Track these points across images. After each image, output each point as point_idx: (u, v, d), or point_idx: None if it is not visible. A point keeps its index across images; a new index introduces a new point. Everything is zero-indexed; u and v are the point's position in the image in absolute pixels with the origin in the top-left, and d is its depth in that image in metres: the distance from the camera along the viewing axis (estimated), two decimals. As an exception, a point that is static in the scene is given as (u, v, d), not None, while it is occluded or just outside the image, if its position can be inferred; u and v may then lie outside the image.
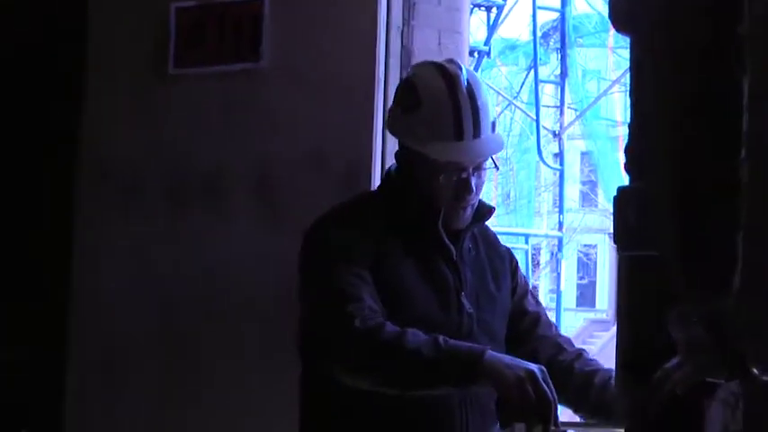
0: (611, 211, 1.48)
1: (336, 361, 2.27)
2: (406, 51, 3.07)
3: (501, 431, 2.21)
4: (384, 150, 2.96)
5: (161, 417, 3.09)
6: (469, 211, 2.42)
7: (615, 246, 1.47)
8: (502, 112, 11.39)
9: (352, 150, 2.93)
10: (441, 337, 2.15)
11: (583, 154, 19.55)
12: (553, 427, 2.08)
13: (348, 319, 2.18)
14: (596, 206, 20.94)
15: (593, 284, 23.71)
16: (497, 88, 11.03)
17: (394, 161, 2.54)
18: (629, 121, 1.52)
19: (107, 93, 3.19)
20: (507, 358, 2.15)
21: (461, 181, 2.36)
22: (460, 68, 2.41)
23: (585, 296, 23.58)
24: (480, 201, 2.48)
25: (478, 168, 2.39)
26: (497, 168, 2.49)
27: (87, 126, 3.14)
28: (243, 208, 2.97)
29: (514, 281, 2.57)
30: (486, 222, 2.55)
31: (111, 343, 3.17)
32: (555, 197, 16.39)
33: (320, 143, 2.95)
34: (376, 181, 2.92)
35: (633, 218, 1.42)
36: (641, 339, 1.44)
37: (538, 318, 2.56)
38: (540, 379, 2.07)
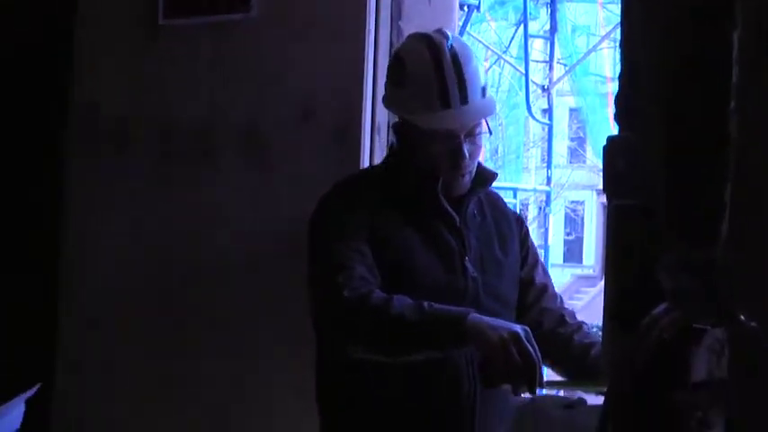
0: (601, 160, 1.49)
1: (329, 330, 2.30)
2: (396, 4, 3.06)
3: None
4: (374, 105, 2.96)
5: (145, 371, 3.10)
6: (468, 178, 2.44)
7: (604, 194, 1.48)
8: (491, 66, 11.35)
9: (342, 103, 2.93)
10: (426, 302, 2.18)
11: (571, 110, 19.54)
12: (538, 387, 2.10)
13: (338, 289, 2.22)
14: (584, 162, 20.96)
15: (580, 240, 23.80)
16: (487, 43, 10.98)
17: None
18: (619, 71, 1.53)
19: (96, 44, 3.16)
20: (491, 320, 2.15)
21: (454, 148, 2.39)
22: (446, 37, 2.42)
23: (572, 252, 23.67)
24: (482, 166, 2.51)
25: (471, 134, 2.41)
26: (491, 133, 2.50)
27: (77, 79, 3.12)
28: (232, 160, 2.97)
29: (524, 249, 2.59)
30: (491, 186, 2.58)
31: (100, 298, 3.17)
32: (543, 153, 16.39)
33: (310, 95, 2.94)
34: (366, 135, 2.92)
35: (622, 167, 1.43)
36: (629, 288, 1.45)
37: (545, 289, 2.60)
38: (524, 339, 2.08)
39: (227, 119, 2.99)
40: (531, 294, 2.56)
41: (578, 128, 20.82)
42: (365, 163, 2.92)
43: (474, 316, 2.14)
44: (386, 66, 2.77)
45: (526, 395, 2.12)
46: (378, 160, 2.96)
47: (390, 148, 2.61)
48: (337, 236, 2.36)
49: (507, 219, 2.59)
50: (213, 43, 3.01)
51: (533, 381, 2.07)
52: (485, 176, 2.50)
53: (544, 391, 2.26)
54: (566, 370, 2.51)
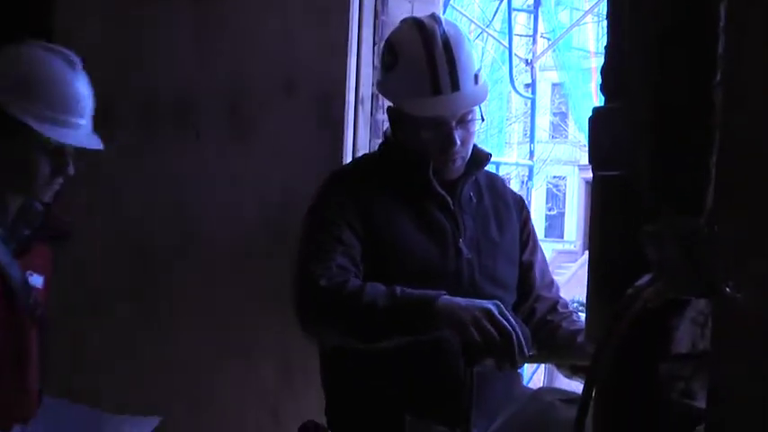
0: (586, 133, 1.49)
1: (306, 319, 2.30)
2: (380, -23, 3.04)
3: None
4: (358, 76, 2.95)
5: (132, 345, 3.09)
6: (459, 163, 2.44)
7: (589, 166, 1.48)
8: (474, 40, 11.31)
9: (325, 75, 2.92)
10: (398, 288, 2.18)
11: (554, 85, 19.54)
12: (520, 360, 2.11)
13: (315, 278, 2.24)
14: (566, 138, 20.98)
15: (561, 216, 23.87)
16: (470, 17, 10.95)
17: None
18: (605, 42, 1.52)
19: (77, 14, 3.13)
20: (463, 300, 2.15)
21: (444, 135, 2.38)
22: (439, 22, 2.41)
23: (554, 227, 23.75)
24: (477, 148, 2.50)
25: (463, 121, 2.40)
26: (483, 120, 2.49)
27: (58, 30, 3.08)
28: (214, 131, 2.95)
29: (525, 232, 2.60)
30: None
31: (81, 270, 3.15)
32: (525, 128, 16.38)
33: (292, 67, 2.93)
34: (349, 107, 2.91)
35: (607, 138, 1.43)
36: (613, 259, 1.45)
37: (542, 276, 2.61)
38: (497, 314, 2.09)
39: (210, 91, 2.97)
40: (529, 280, 2.57)
41: (560, 103, 20.83)
42: (349, 135, 2.91)
43: (445, 298, 2.14)
44: (371, 36, 2.76)
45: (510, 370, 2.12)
46: (362, 132, 2.95)
47: (384, 133, 2.60)
48: (320, 226, 2.38)
49: (506, 200, 2.59)
50: (196, 16, 2.99)
51: (512, 354, 2.07)
52: (479, 158, 2.50)
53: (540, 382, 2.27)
54: (553, 355, 2.53)
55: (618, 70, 1.47)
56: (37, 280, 2.30)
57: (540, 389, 2.52)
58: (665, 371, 1.38)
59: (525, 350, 2.11)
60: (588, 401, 1.33)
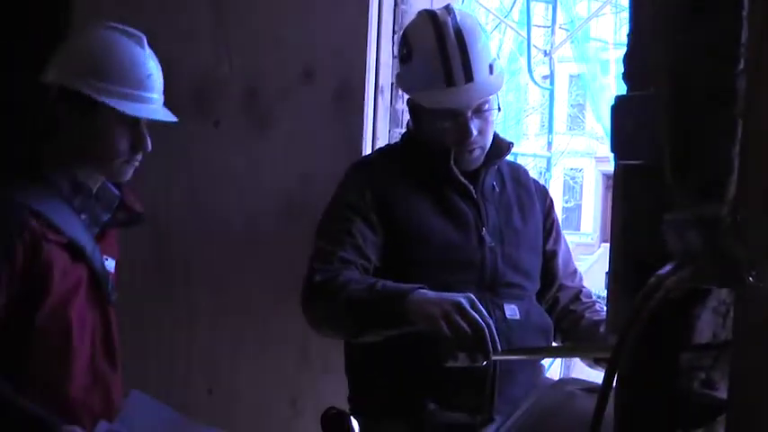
0: (609, 120, 1.48)
1: (305, 314, 2.33)
2: (399, -32, 3.04)
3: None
4: (377, 65, 2.95)
5: (149, 333, 3.09)
6: (478, 153, 2.44)
7: (612, 154, 1.47)
8: (491, 31, 11.30)
9: (344, 63, 2.91)
10: (379, 282, 2.18)
11: (571, 77, 19.47)
12: (493, 354, 2.05)
13: (312, 274, 2.29)
14: (584, 130, 20.91)
15: (578, 208, 23.80)
16: (488, 8, 10.92)
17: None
18: (627, 29, 1.52)
19: (94, 2, 3.12)
20: (435, 294, 2.13)
21: (460, 125, 2.38)
22: (452, 14, 2.41)
23: (571, 219, 23.68)
24: (498, 137, 2.49)
25: (479, 111, 2.40)
26: (500, 110, 2.49)
27: (74, 24, 3.08)
28: (233, 120, 2.94)
29: (549, 221, 2.60)
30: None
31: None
32: (542, 119, 16.34)
33: (311, 55, 2.92)
34: (368, 96, 2.91)
35: (630, 127, 1.42)
36: (635, 248, 1.45)
37: (566, 265, 2.61)
38: (469, 307, 2.06)
39: (229, 80, 2.97)
40: (553, 269, 2.57)
41: (578, 95, 20.76)
42: (367, 124, 2.91)
43: (418, 292, 2.12)
44: (390, 25, 2.76)
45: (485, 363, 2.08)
46: (381, 121, 2.94)
47: (406, 124, 2.60)
48: (333, 217, 2.40)
49: (529, 190, 2.59)
50: (215, 4, 2.98)
51: (485, 347, 2.04)
52: (501, 147, 2.50)
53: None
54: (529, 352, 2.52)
55: (640, 58, 1.46)
56: (110, 264, 2.34)
57: (561, 379, 2.52)
58: (685, 361, 1.38)
59: (498, 344, 2.06)
60: (609, 391, 1.32)
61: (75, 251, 2.19)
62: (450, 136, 2.40)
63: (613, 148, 1.48)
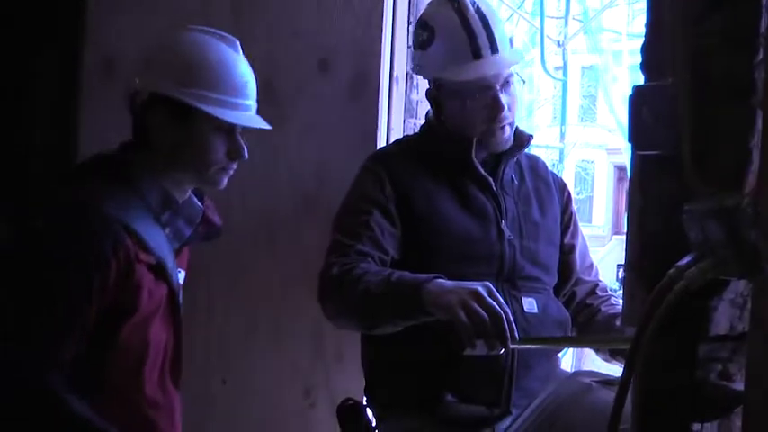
0: (627, 109, 1.47)
1: (322, 307, 2.33)
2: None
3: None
4: (393, 56, 2.94)
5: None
6: (508, 132, 2.43)
7: (630, 144, 1.47)
8: (504, 22, 11.25)
9: (359, 54, 2.90)
10: (395, 274, 2.18)
11: (583, 68, 19.42)
12: (511, 342, 2.04)
13: (329, 267, 2.28)
14: (595, 121, 20.87)
15: (590, 200, 23.76)
16: (501, -1, 10.91)
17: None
18: (645, 18, 1.51)
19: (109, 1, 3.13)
20: (451, 283, 2.12)
21: (491, 100, 2.39)
22: None
23: (582, 211, 23.63)
24: (517, 129, 2.49)
25: (506, 84, 2.41)
26: (524, 82, 2.49)
27: (90, 35, 3.09)
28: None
29: (567, 215, 2.60)
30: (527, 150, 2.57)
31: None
32: (554, 111, 16.30)
33: (326, 46, 2.92)
34: (383, 87, 2.91)
35: (648, 117, 1.42)
36: (652, 239, 1.44)
37: (583, 259, 2.62)
38: (486, 295, 2.05)
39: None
40: (570, 263, 2.57)
41: (589, 86, 20.71)
42: (383, 115, 2.91)
43: (435, 282, 2.11)
44: (405, 15, 2.75)
45: (502, 351, 2.08)
46: (396, 112, 2.94)
47: (426, 116, 2.60)
48: (351, 209, 2.41)
49: (547, 182, 2.59)
50: (232, -1, 2.98)
51: (503, 334, 2.03)
52: (521, 139, 2.50)
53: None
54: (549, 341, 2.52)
55: (658, 48, 1.45)
56: (181, 276, 2.30)
57: (576, 371, 2.51)
58: (702, 352, 1.38)
59: (516, 332, 2.05)
60: (629, 382, 1.32)
61: (160, 270, 2.15)
62: (479, 114, 2.40)
63: (631, 139, 1.47)
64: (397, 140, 2.73)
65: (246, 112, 2.23)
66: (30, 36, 3.26)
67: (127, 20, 2.95)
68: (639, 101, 1.44)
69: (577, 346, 2.24)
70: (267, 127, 2.28)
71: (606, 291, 2.61)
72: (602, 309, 2.51)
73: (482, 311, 2.02)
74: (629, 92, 1.47)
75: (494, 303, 2.04)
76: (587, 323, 2.52)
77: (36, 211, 2.23)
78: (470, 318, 2.02)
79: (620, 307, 2.44)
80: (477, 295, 2.04)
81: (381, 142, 2.90)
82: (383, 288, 2.15)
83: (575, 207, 2.66)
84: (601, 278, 2.67)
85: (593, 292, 2.57)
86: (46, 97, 3.28)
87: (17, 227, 2.91)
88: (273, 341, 2.95)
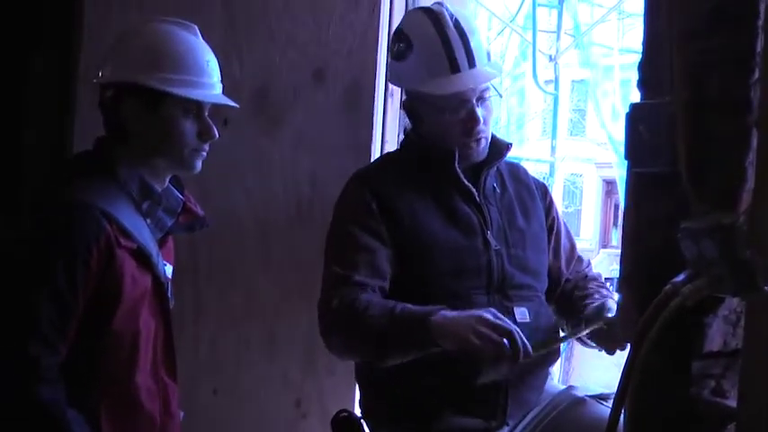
0: (624, 127, 1.48)
1: (324, 340, 2.32)
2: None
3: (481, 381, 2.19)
4: (388, 68, 2.95)
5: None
6: (484, 144, 2.44)
7: (626, 161, 1.48)
8: (496, 36, 11.29)
9: (354, 66, 2.91)
10: (398, 307, 2.18)
11: (573, 83, 19.46)
12: (524, 355, 2.06)
13: (329, 300, 2.27)
14: (584, 135, 20.90)
15: (578, 213, 23.76)
16: (493, 12, 10.93)
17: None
18: (642, 37, 1.52)
19: (104, 5, 3.12)
20: (455, 313, 2.13)
21: (467, 113, 2.38)
22: (444, 7, 2.43)
23: (571, 225, 23.40)
24: (495, 137, 2.50)
25: (482, 99, 2.41)
26: (501, 96, 2.50)
27: (84, 43, 3.08)
28: (243, 119, 2.94)
29: (550, 217, 2.59)
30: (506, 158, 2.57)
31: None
32: (543, 125, 16.31)
33: (321, 56, 2.92)
34: (378, 99, 2.91)
35: (645, 134, 1.43)
36: (648, 256, 1.45)
37: (572, 257, 2.61)
38: (492, 318, 2.08)
39: (239, 80, 2.97)
40: (558, 264, 2.57)
41: (578, 100, 20.74)
42: (377, 127, 2.91)
43: (440, 315, 2.12)
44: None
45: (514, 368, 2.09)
46: (391, 124, 2.95)
47: (405, 129, 2.60)
48: (339, 240, 2.39)
49: (529, 188, 2.58)
50: (224, 3, 2.98)
51: (519, 351, 2.05)
52: (499, 147, 2.49)
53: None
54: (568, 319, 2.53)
55: (655, 65, 1.46)
56: (169, 270, 2.31)
57: (569, 386, 2.50)
58: (696, 368, 1.38)
59: (528, 346, 2.08)
60: (624, 396, 1.33)
61: (143, 258, 2.16)
62: (457, 127, 2.39)
63: (627, 156, 1.48)
64: (379, 158, 2.74)
65: (211, 91, 2.26)
66: (24, 37, 3.25)
67: (122, 21, 2.94)
68: (636, 118, 1.45)
69: (579, 335, 2.22)
70: (233, 104, 2.32)
71: (597, 279, 2.60)
72: (588, 301, 2.48)
73: (494, 334, 2.04)
74: (627, 109, 1.48)
75: (503, 324, 2.07)
76: (575, 314, 2.49)
77: (27, 212, 2.24)
78: (484, 343, 2.04)
79: (606, 296, 2.45)
80: (484, 321, 2.07)
81: (375, 154, 2.91)
82: (388, 324, 2.16)
83: (557, 209, 2.66)
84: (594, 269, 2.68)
85: (579, 284, 2.56)
86: (41, 98, 3.28)
87: (8, 230, 2.92)
88: (265, 352, 2.94)
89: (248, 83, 2.91)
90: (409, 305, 2.19)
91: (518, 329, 2.08)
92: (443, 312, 2.13)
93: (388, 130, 2.97)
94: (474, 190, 2.43)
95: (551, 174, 9.58)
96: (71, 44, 3.04)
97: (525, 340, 2.07)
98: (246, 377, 2.95)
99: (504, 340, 2.05)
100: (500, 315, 2.10)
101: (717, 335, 1.39)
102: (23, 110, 3.22)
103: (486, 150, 2.45)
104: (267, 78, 2.91)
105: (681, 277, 1.30)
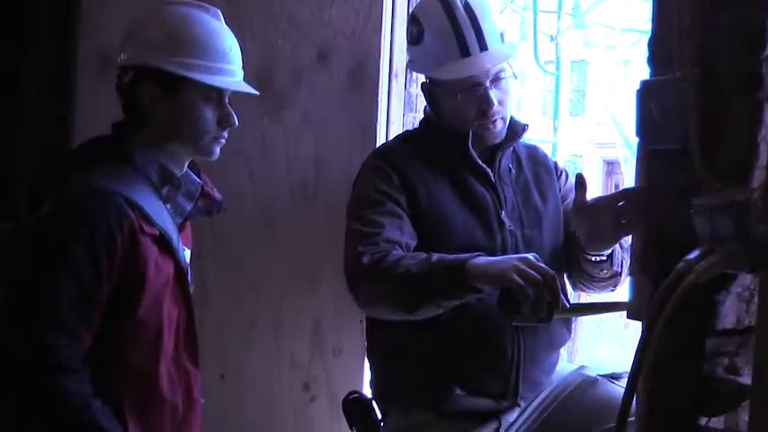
0: (635, 104, 1.47)
1: (357, 298, 2.30)
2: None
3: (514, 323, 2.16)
4: (392, 50, 2.93)
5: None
6: (500, 125, 2.43)
7: (637, 139, 1.47)
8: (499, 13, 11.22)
9: (359, 48, 2.89)
10: (434, 255, 2.17)
11: (573, 63, 19.44)
12: (562, 302, 2.02)
13: (359, 256, 2.24)
14: (584, 115, 20.89)
15: (579, 193, 23.75)
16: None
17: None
18: (652, 14, 1.51)
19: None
20: (494, 258, 2.13)
21: (481, 96, 2.38)
22: None
23: (571, 205, 23.59)
24: (513, 119, 2.49)
25: (496, 80, 2.40)
26: (516, 77, 2.48)
27: (84, 27, 3.07)
28: (247, 101, 2.92)
29: (563, 192, 2.57)
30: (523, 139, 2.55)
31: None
32: (543, 105, 16.29)
33: (325, 38, 2.91)
34: (383, 80, 2.90)
35: (656, 111, 1.42)
36: (662, 233, 1.44)
37: None
38: (535, 260, 2.05)
39: (243, 62, 2.96)
40: (573, 245, 2.55)
41: (578, 80, 20.73)
42: (382, 109, 2.90)
43: (478, 258, 2.11)
44: (405, 8, 2.74)
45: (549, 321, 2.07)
46: (395, 105, 2.93)
47: (424, 110, 2.60)
48: (364, 203, 2.38)
49: (547, 168, 2.58)
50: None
51: (558, 295, 2.00)
52: (516, 129, 2.49)
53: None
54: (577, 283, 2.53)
55: (666, 42, 1.45)
56: (187, 254, 2.30)
57: (581, 365, 2.50)
58: (710, 346, 1.38)
59: (565, 298, 2.04)
60: (638, 375, 1.32)
61: (165, 244, 2.14)
62: (471, 109, 2.40)
63: (638, 133, 1.47)
64: (398, 135, 2.73)
65: (232, 78, 2.24)
66: (24, 31, 3.24)
67: (122, 15, 2.93)
68: (647, 95, 1.44)
69: (618, 310, 2.17)
70: (254, 92, 2.29)
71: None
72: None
73: (536, 273, 2.01)
74: (637, 86, 1.47)
75: (545, 267, 2.04)
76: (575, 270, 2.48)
77: (36, 200, 2.21)
78: (526, 280, 2.01)
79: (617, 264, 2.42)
80: (528, 261, 2.04)
81: (381, 135, 2.90)
82: (425, 269, 2.14)
83: (570, 183, 2.62)
84: None
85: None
86: (41, 92, 3.27)
87: (12, 222, 2.91)
88: (272, 335, 2.94)
89: (251, 65, 2.89)
90: (443, 254, 2.17)
91: (557, 277, 2.03)
92: (481, 257, 2.12)
93: (392, 111, 2.96)
94: (489, 170, 2.43)
95: (553, 154, 9.56)
96: (72, 38, 3.04)
97: (566, 291, 2.06)
98: (253, 361, 2.95)
99: (542, 281, 2.00)
100: (542, 263, 2.06)
101: (730, 312, 1.38)
102: (24, 104, 3.23)
103: (505, 132, 2.45)
104: (271, 60, 2.90)
105: (694, 254, 1.29)
